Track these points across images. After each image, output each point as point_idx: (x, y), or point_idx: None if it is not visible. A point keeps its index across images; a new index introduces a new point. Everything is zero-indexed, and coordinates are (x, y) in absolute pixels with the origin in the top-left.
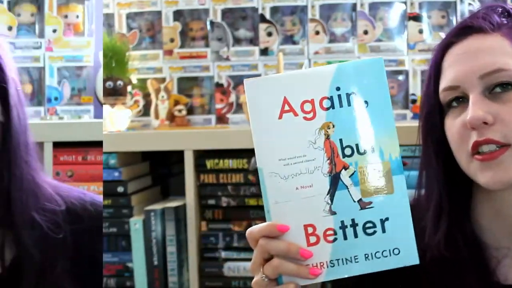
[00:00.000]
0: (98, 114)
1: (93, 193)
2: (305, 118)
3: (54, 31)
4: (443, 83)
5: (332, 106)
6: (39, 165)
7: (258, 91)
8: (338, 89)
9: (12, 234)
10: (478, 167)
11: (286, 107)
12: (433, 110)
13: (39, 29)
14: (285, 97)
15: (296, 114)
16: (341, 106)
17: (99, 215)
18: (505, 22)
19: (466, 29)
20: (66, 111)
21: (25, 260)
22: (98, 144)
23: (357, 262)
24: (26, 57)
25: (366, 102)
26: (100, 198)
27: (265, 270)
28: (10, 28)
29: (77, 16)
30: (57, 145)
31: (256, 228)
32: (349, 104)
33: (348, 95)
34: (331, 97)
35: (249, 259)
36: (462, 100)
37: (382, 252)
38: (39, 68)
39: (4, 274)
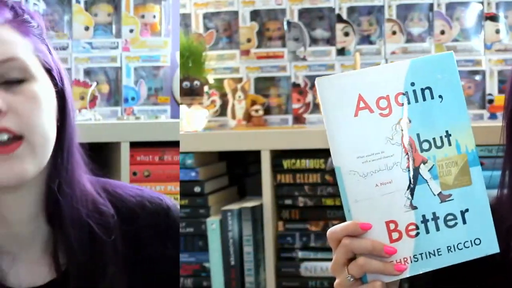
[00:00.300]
0: (175, 114)
1: (167, 192)
2: (381, 114)
3: (131, 31)
4: None
5: (408, 102)
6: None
7: (331, 89)
8: (412, 84)
9: (63, 237)
10: None
11: (362, 104)
12: None
13: (116, 29)
14: (360, 94)
15: (372, 111)
16: (416, 101)
17: (158, 211)
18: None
19: None
20: (143, 111)
21: (72, 264)
22: (175, 144)
23: (440, 255)
24: (103, 57)
25: (440, 96)
26: (160, 195)
27: (350, 270)
28: (87, 28)
29: (154, 16)
30: (134, 145)
31: (338, 228)
32: (424, 99)
33: (422, 90)
34: (406, 92)
35: (326, 259)
36: None
37: (464, 243)
38: (116, 68)
39: (58, 279)
